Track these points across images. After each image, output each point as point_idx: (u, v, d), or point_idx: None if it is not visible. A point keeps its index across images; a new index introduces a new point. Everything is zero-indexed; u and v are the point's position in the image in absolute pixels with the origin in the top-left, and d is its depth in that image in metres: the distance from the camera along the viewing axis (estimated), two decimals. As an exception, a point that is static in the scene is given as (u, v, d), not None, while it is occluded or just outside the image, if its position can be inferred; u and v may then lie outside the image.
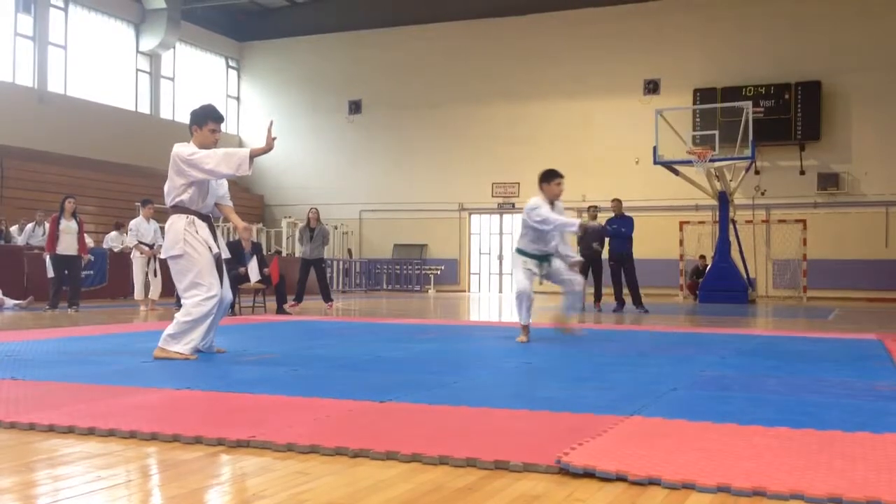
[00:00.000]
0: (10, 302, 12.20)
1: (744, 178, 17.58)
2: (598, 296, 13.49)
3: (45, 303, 11.81)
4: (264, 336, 7.38)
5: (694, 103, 21.29)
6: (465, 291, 24.38)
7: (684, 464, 2.47)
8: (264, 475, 2.45)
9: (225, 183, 5.67)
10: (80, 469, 2.50)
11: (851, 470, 2.41)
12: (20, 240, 14.59)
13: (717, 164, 16.39)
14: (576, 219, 6.81)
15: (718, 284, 16.26)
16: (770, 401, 3.72)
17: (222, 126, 5.63)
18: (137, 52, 23.66)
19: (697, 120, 20.54)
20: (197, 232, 5.31)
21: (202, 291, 5.24)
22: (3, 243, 14.83)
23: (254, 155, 5.23)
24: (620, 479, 2.36)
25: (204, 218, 5.42)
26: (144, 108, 23.91)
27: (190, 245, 5.27)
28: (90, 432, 2.97)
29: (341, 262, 23.45)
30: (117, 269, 15.07)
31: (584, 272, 13.54)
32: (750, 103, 16.95)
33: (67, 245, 11.50)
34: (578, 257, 7.24)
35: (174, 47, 24.52)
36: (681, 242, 20.03)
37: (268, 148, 5.28)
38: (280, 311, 11.45)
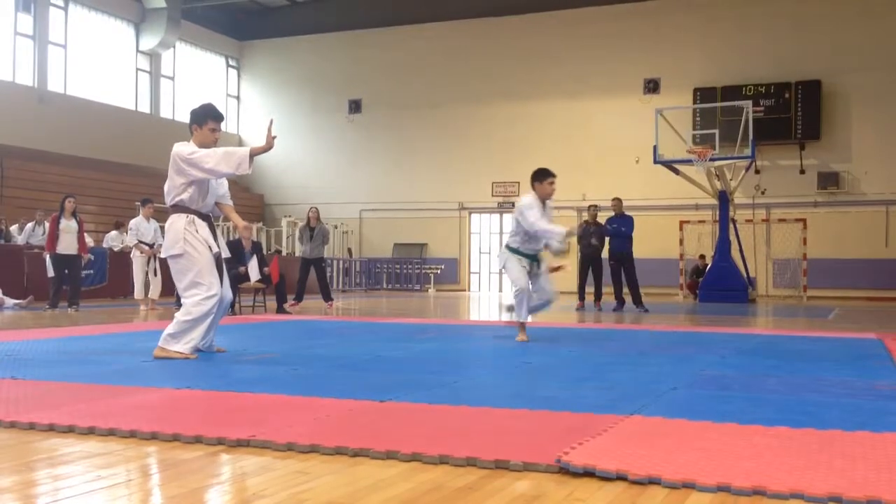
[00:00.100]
0: (10, 301, 12.19)
1: (744, 177, 17.59)
2: (598, 295, 13.50)
3: (45, 302, 11.81)
4: (264, 335, 7.38)
5: (694, 102, 21.29)
6: (465, 291, 24.37)
7: (684, 463, 2.47)
8: (264, 475, 2.45)
9: (225, 182, 5.67)
10: (80, 468, 2.50)
11: (851, 469, 2.41)
12: (20, 239, 14.58)
13: (717, 163, 16.38)
14: (562, 228, 6.79)
15: (718, 284, 16.25)
16: (770, 400, 3.72)
17: (222, 125, 5.63)
18: (137, 51, 23.65)
19: (697, 119, 20.55)
20: (197, 231, 5.31)
21: (202, 291, 5.24)
22: (3, 243, 14.82)
23: (254, 154, 5.24)
24: (620, 478, 2.36)
25: (204, 217, 5.42)
26: (144, 107, 23.90)
27: (190, 244, 5.27)
28: (90, 432, 2.97)
29: (341, 262, 23.44)
30: (117, 269, 15.06)
31: (584, 271, 13.63)
32: (750, 102, 16.94)
33: (67, 244, 11.49)
34: (564, 247, 7.12)
35: (174, 46, 24.51)
36: (681, 242, 20.02)
37: (268, 147, 5.30)
38: (280, 310, 11.45)
